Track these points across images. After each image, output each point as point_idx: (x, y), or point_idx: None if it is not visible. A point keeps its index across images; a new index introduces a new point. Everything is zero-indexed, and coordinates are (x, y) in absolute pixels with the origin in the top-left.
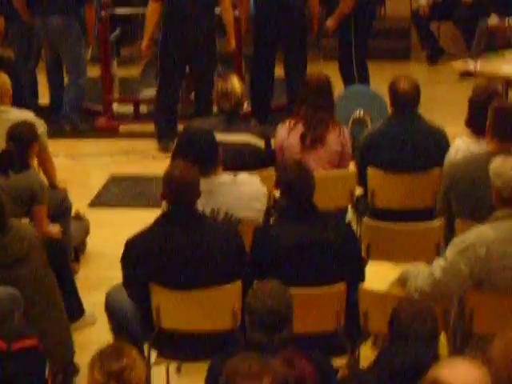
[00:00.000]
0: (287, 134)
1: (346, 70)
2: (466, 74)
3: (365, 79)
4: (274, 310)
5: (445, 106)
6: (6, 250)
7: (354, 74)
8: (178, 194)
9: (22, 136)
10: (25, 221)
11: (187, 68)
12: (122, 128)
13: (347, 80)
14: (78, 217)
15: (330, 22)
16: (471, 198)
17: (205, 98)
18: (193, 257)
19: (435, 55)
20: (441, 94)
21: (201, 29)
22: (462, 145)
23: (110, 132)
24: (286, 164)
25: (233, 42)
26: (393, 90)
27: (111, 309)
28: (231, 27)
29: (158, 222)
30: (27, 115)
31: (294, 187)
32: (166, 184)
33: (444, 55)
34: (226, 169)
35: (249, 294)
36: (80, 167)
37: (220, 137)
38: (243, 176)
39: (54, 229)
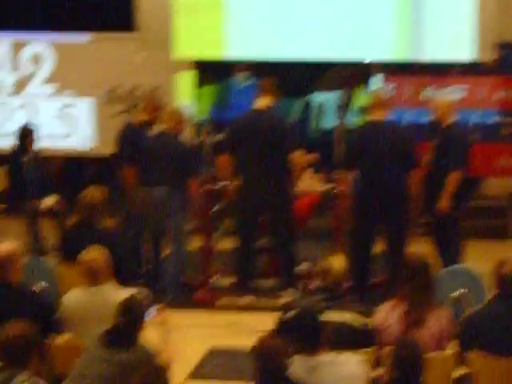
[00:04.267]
0: (387, 315)
1: (444, 248)
2: None
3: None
4: None
5: None
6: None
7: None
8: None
9: (132, 312)
10: None
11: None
12: (220, 301)
13: (445, 258)
14: None
15: (443, 203)
16: None
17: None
18: None
19: None
20: None
21: (269, 188)
22: None
23: (208, 305)
24: (397, 341)
25: (296, 183)
26: (498, 272)
27: None
28: (296, 170)
29: None
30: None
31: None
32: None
33: None
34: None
35: None
36: (179, 339)
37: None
38: (344, 356)
39: None
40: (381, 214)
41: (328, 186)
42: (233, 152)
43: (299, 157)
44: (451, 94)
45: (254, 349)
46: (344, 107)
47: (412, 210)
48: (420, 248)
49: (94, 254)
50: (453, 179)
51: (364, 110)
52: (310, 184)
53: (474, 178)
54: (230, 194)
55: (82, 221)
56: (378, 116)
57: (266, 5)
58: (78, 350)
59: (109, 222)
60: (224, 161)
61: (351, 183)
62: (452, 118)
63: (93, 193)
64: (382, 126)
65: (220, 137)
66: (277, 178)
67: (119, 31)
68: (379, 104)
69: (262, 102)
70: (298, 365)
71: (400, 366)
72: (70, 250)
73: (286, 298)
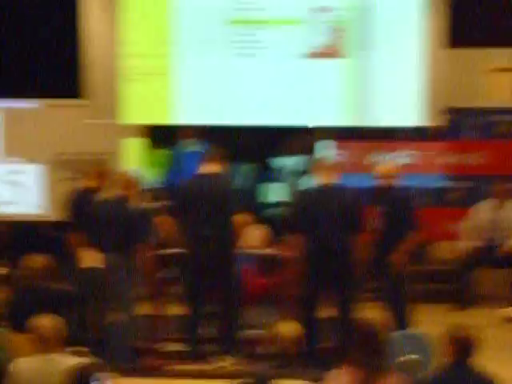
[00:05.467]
0: (339, 382)
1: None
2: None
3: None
4: None
5: (488, 349)
6: None
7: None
8: None
9: (82, 381)
10: None
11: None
12: (169, 367)
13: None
14: None
15: (396, 256)
16: None
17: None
18: None
19: (471, 299)
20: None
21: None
22: None
23: (156, 371)
24: None
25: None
26: (453, 338)
27: None
28: (238, 232)
29: None
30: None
31: None
32: None
33: (485, 300)
34: None
35: None
36: None
37: None
38: None
39: None
40: (329, 278)
41: (274, 250)
42: (178, 216)
43: (242, 219)
44: (397, 158)
45: None
46: (297, 172)
47: (360, 274)
48: (370, 313)
49: (45, 322)
50: (410, 237)
51: (312, 175)
52: (256, 244)
53: (421, 242)
54: (178, 258)
55: (27, 286)
56: (325, 179)
57: (213, 71)
58: None
59: (55, 286)
60: (166, 223)
61: (301, 247)
62: (396, 184)
63: (35, 258)
64: (330, 190)
65: (166, 202)
66: (221, 242)
67: (68, 98)
68: (327, 168)
69: (208, 168)
70: None
71: None
72: (17, 317)
73: (227, 363)
